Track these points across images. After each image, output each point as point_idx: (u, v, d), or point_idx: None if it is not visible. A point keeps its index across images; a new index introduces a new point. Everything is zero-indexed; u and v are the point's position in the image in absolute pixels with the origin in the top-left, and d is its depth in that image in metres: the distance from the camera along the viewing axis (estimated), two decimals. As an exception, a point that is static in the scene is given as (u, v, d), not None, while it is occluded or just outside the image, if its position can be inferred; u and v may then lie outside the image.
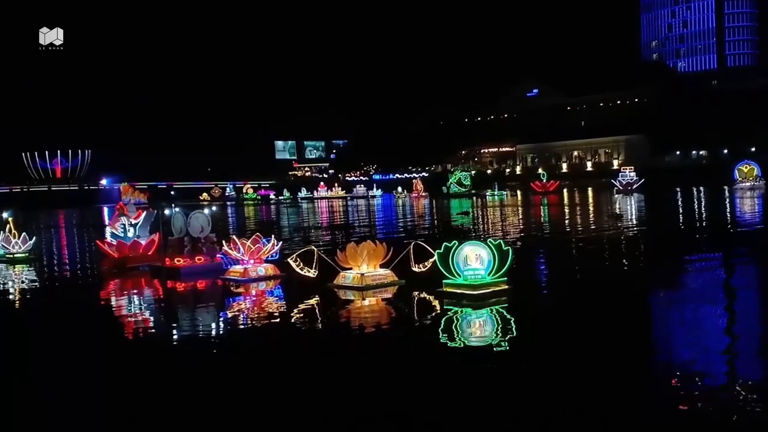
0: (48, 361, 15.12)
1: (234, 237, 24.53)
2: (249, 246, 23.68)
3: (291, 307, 19.13)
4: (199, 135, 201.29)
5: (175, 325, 18.45)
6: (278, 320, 17.99)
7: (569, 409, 10.68)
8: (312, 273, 21.52)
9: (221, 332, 17.34)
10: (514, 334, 15.49)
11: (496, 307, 17.78)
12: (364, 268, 21.26)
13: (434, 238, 31.29)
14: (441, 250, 19.19)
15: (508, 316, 16.98)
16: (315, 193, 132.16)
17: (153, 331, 18.02)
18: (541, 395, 11.34)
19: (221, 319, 18.80)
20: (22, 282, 27.51)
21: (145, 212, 30.22)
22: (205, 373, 13.51)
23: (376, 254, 21.49)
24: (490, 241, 18.95)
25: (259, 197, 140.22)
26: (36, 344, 16.63)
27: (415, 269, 21.15)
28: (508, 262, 18.81)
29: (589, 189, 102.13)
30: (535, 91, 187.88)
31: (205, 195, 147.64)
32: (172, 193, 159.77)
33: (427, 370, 12.92)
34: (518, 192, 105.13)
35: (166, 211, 27.33)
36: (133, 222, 29.60)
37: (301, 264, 21.74)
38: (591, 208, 61.33)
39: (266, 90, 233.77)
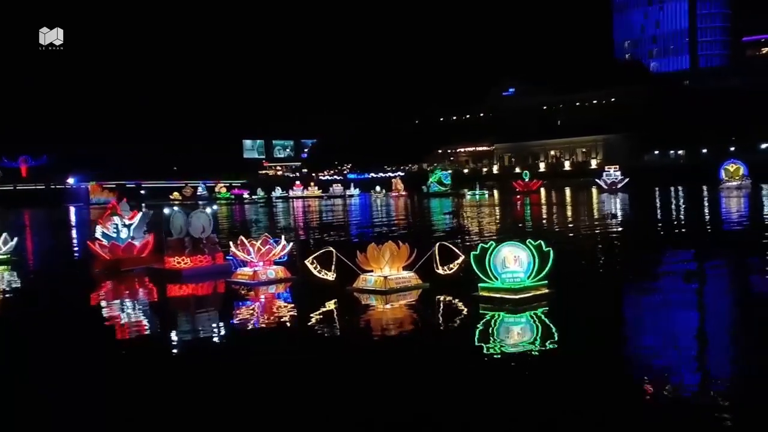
0: (40, 370, 13.74)
1: (242, 237, 23.01)
2: (259, 247, 22.22)
3: (317, 312, 17.72)
4: (166, 133, 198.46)
5: (186, 331, 17.00)
6: (311, 326, 16.54)
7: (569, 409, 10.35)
8: (330, 276, 20.14)
9: (240, 338, 15.86)
10: (555, 339, 14.54)
11: (538, 311, 16.61)
12: (387, 270, 19.94)
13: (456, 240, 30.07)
14: (477, 252, 17.91)
15: (550, 322, 15.83)
16: (290, 193, 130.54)
17: (164, 337, 16.44)
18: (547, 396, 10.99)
19: (238, 324, 17.35)
20: (9, 286, 25.67)
21: (140, 212, 28.55)
22: (219, 381, 12.24)
23: (400, 256, 20.18)
24: (529, 242, 17.72)
25: (232, 196, 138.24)
26: (28, 354, 15.05)
27: (440, 271, 19.95)
28: (549, 264, 17.61)
29: (567, 189, 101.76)
30: (511, 90, 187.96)
31: (176, 194, 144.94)
32: (142, 192, 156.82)
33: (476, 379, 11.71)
34: (495, 191, 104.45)
35: (165, 210, 25.65)
36: (128, 222, 27.94)
37: (318, 266, 20.35)
38: (581, 208, 60.63)
39: (235, 89, 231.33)
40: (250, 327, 17.36)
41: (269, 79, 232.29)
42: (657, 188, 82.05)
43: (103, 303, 21.61)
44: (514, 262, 17.65)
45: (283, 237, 23.83)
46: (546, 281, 17.75)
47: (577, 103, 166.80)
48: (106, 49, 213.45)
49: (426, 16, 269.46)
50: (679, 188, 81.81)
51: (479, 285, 17.90)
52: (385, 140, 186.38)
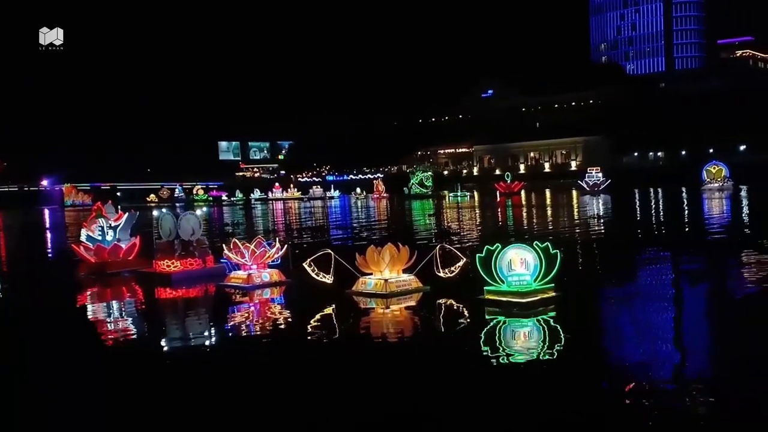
0: (30, 378, 12.94)
1: (236, 240, 22.38)
2: (253, 250, 21.61)
3: (318, 315, 17.15)
4: (140, 135, 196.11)
5: (183, 337, 16.34)
6: (313, 330, 15.96)
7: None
8: (328, 279, 19.58)
9: (239, 344, 15.20)
10: (563, 344, 14.01)
11: (544, 316, 16.18)
12: (387, 273, 19.43)
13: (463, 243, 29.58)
14: (482, 254, 17.44)
15: (560, 326, 15.39)
16: (270, 194, 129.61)
17: (159, 344, 15.77)
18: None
19: (236, 329, 16.72)
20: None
21: (126, 213, 27.77)
22: (219, 389, 11.54)
23: (400, 258, 19.68)
24: (536, 244, 17.30)
25: (210, 198, 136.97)
26: (13, 362, 14.32)
27: (441, 274, 19.47)
28: (556, 267, 17.20)
29: (548, 190, 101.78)
30: (490, 92, 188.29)
31: (152, 196, 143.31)
32: (118, 194, 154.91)
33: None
34: (475, 193, 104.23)
35: (154, 213, 24.99)
36: (113, 224, 27.15)
37: (316, 269, 19.78)
38: (568, 209, 60.49)
39: (210, 90, 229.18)
40: (248, 332, 16.73)
41: (244, 79, 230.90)
42: (639, 190, 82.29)
43: (92, 308, 20.88)
44: (520, 265, 17.25)
45: (277, 239, 23.24)
46: (553, 284, 17.36)
47: (556, 105, 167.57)
48: (84, 49, 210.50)
49: (405, 18, 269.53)
50: (659, 190, 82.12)
51: (485, 288, 17.46)
52: (363, 142, 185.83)
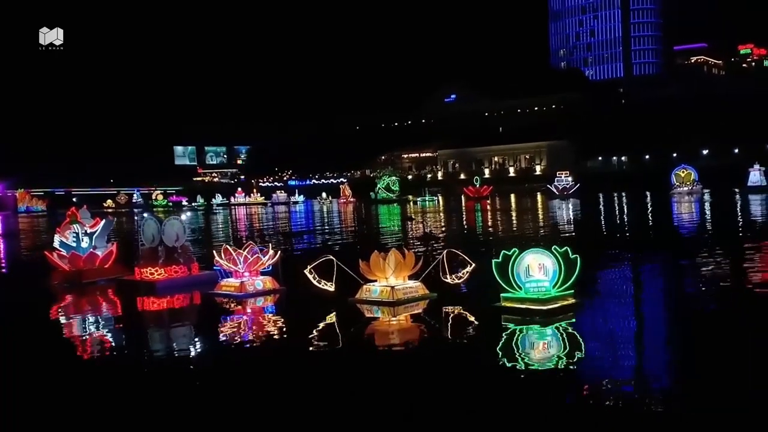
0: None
1: (227, 246, 21.18)
2: (246, 257, 20.44)
3: (330, 325, 16.11)
4: (94, 139, 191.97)
5: (186, 349, 15.15)
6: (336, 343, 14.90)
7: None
8: (330, 286, 18.53)
9: (248, 358, 14.10)
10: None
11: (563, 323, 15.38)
12: (392, 280, 18.45)
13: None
14: (499, 260, 16.58)
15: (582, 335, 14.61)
16: (232, 199, 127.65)
17: (154, 359, 14.55)
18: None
19: (240, 342, 15.58)
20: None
21: (103, 220, 26.31)
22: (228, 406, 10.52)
23: (406, 264, 18.71)
24: (555, 249, 16.49)
25: (170, 204, 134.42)
26: None
27: (449, 280, 18.58)
28: (576, 273, 16.40)
29: (514, 195, 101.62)
30: (453, 96, 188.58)
31: (109, 202, 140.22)
32: (74, 200, 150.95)
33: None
34: (440, 197, 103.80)
35: (136, 218, 23.66)
36: (89, 231, 25.66)
37: (317, 276, 18.71)
38: (544, 213, 60.22)
39: (165, 94, 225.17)
40: (255, 345, 15.58)
41: (200, 84, 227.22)
42: (610, 194, 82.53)
43: (73, 320, 19.47)
44: (538, 271, 16.42)
45: (270, 245, 22.11)
46: (572, 290, 16.56)
47: (518, 110, 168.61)
48: (23, 49, 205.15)
49: (367, 22, 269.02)
50: (632, 194, 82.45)
51: (501, 295, 16.60)
52: (325, 146, 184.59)
